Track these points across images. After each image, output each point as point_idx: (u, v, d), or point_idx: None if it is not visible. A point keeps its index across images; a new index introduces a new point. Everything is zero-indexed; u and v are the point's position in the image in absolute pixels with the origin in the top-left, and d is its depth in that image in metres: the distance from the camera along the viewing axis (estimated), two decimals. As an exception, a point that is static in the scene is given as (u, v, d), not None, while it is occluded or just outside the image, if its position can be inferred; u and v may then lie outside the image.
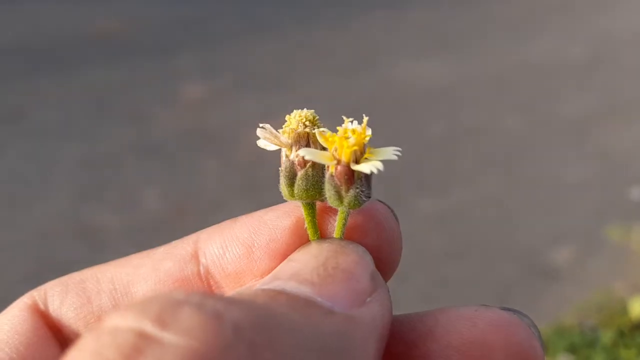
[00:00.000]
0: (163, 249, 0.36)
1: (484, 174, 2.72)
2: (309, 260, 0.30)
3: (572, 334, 1.91)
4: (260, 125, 0.35)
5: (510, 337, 0.30)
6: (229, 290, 0.35)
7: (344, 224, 0.33)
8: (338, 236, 0.33)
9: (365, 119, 0.32)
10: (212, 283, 0.35)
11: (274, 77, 3.62)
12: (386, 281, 0.34)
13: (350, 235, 0.33)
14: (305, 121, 0.34)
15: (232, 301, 0.24)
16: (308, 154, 0.32)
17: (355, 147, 0.31)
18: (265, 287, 0.29)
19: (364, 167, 0.31)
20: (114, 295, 0.35)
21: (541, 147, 2.97)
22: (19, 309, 0.36)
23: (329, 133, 0.32)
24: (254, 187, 2.57)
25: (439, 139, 2.97)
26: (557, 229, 2.42)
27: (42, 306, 0.36)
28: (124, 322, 0.22)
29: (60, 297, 0.36)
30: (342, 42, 4.13)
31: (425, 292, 2.03)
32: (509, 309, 0.31)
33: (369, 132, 0.32)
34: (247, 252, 0.34)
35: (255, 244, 0.34)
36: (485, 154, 2.90)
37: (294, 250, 0.33)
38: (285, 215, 0.34)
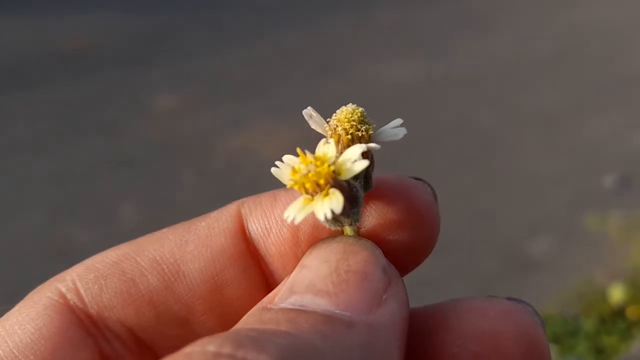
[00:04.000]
0: (205, 222, 0.35)
1: (458, 171, 2.74)
2: (321, 266, 0.30)
3: (554, 323, 1.92)
4: (310, 108, 0.35)
5: (518, 326, 0.31)
6: (275, 268, 0.34)
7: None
8: (351, 233, 0.33)
9: (322, 153, 0.32)
10: (259, 259, 0.35)
11: (246, 85, 3.61)
12: (416, 266, 0.34)
13: (387, 228, 0.33)
14: (337, 119, 0.33)
15: (260, 347, 0.24)
16: (277, 167, 0.32)
17: (293, 185, 0.31)
18: (284, 305, 0.29)
19: (286, 212, 0.31)
20: (163, 276, 0.34)
21: (513, 141, 3.00)
22: (43, 307, 0.33)
23: (303, 155, 0.32)
24: (230, 195, 2.53)
25: (412, 137, 2.97)
26: (534, 220, 2.45)
27: (74, 299, 0.34)
28: None
29: (97, 283, 0.34)
30: (311, 46, 4.13)
31: (407, 288, 2.03)
32: (513, 299, 0.32)
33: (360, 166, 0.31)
34: (292, 237, 0.34)
35: (301, 230, 0.34)
36: (458, 150, 2.92)
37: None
38: None
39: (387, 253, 0.32)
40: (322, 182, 0.30)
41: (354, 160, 0.31)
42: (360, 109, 0.33)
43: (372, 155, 0.34)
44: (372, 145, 0.32)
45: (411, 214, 0.33)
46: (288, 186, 0.31)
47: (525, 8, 4.72)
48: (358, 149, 0.32)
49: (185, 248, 0.34)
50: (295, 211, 0.31)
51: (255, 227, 0.34)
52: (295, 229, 0.34)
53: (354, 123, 0.33)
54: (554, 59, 3.85)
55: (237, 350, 0.24)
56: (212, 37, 4.33)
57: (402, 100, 3.34)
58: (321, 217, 0.30)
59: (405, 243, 0.33)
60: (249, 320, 0.29)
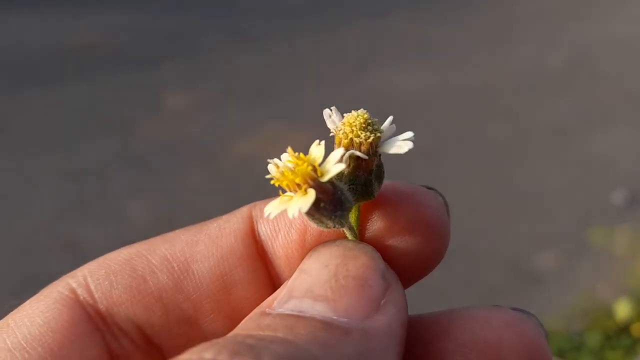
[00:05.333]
0: (216, 223, 0.35)
1: (467, 182, 2.74)
2: (320, 271, 0.30)
3: (559, 338, 1.91)
4: (334, 107, 0.35)
5: (523, 336, 0.31)
6: (281, 271, 0.34)
7: (356, 219, 0.33)
8: (356, 237, 0.33)
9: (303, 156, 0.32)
10: (268, 261, 0.35)
11: (259, 88, 3.62)
12: (423, 276, 0.34)
13: (394, 235, 0.33)
14: (342, 122, 0.33)
15: (257, 355, 0.25)
16: (271, 165, 0.32)
17: (275, 182, 0.31)
18: (282, 310, 0.29)
19: (266, 207, 0.32)
20: (173, 274, 0.34)
21: (524, 153, 3.00)
22: (53, 300, 0.33)
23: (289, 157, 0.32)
24: (239, 197, 2.55)
25: (423, 147, 2.98)
26: (541, 234, 2.44)
27: (84, 294, 0.34)
28: None
29: (108, 280, 0.34)
30: (326, 53, 4.14)
31: (411, 298, 2.03)
32: (518, 309, 0.32)
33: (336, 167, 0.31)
34: (300, 239, 0.34)
35: (308, 233, 0.34)
36: (468, 161, 2.92)
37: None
38: None
39: (393, 260, 0.32)
40: (297, 180, 0.31)
41: (334, 163, 0.31)
42: (366, 116, 0.33)
43: (378, 165, 0.33)
44: (358, 152, 0.32)
45: (420, 222, 0.33)
46: (272, 182, 0.32)
47: (540, 23, 4.71)
48: (339, 152, 0.32)
49: (196, 247, 0.34)
50: (273, 207, 0.31)
51: (265, 228, 0.35)
52: (302, 231, 0.34)
53: (355, 128, 0.33)
54: (567, 74, 3.84)
55: (233, 358, 0.24)
56: (226, 39, 4.34)
57: (414, 109, 3.34)
58: (289, 215, 0.30)
59: (413, 251, 0.33)
60: (248, 325, 0.29)
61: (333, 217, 0.31)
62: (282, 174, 0.31)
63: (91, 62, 3.96)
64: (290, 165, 0.31)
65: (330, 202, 0.31)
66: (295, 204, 0.30)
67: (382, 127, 0.34)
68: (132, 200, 2.60)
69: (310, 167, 0.31)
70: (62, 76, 3.75)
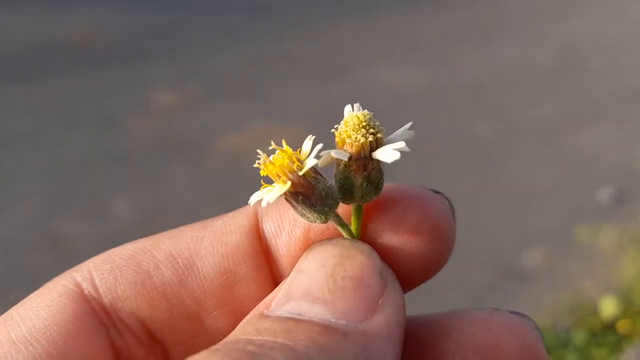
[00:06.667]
0: (221, 220, 0.35)
1: (455, 178, 2.74)
2: (317, 271, 0.30)
3: (545, 335, 1.92)
4: (357, 104, 0.35)
5: (521, 340, 0.32)
6: (284, 269, 0.35)
7: (357, 219, 0.33)
8: (352, 236, 0.33)
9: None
10: (271, 259, 0.35)
11: (246, 85, 3.61)
12: (426, 280, 0.35)
13: (398, 236, 0.33)
14: (344, 124, 0.33)
15: None
16: (263, 155, 0.33)
17: (261, 172, 0.32)
18: (280, 313, 0.29)
19: (252, 196, 0.33)
20: (177, 270, 0.34)
21: (511, 150, 3.01)
22: (58, 294, 0.33)
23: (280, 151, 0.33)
24: (226, 194, 2.55)
25: (410, 143, 2.98)
26: (528, 231, 2.45)
27: (88, 288, 0.34)
28: None
29: (113, 274, 0.34)
30: (313, 50, 4.13)
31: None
32: (516, 313, 0.33)
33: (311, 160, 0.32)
34: (304, 237, 0.34)
35: (312, 231, 0.34)
36: (456, 158, 2.92)
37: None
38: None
39: (397, 262, 0.32)
40: (275, 171, 0.32)
41: (312, 157, 0.32)
42: (361, 117, 0.33)
43: (373, 168, 0.33)
44: (333, 152, 0.32)
45: (426, 225, 0.33)
46: (260, 172, 0.32)
47: (527, 20, 4.73)
48: (317, 148, 0.32)
49: (201, 244, 0.35)
50: (255, 196, 0.32)
51: (269, 226, 0.35)
52: (306, 229, 0.34)
53: (348, 128, 0.33)
54: (554, 71, 3.85)
55: None
56: (214, 36, 4.33)
57: (402, 106, 3.34)
58: (262, 203, 0.31)
59: (417, 254, 0.33)
60: (246, 329, 0.29)
61: (313, 211, 0.32)
62: (265, 164, 0.32)
63: (78, 58, 3.94)
64: (275, 157, 0.32)
65: (310, 195, 0.32)
66: (269, 194, 0.31)
67: (395, 133, 0.34)
68: (118, 197, 2.59)
69: (287, 160, 0.32)
70: (48, 71, 3.73)
